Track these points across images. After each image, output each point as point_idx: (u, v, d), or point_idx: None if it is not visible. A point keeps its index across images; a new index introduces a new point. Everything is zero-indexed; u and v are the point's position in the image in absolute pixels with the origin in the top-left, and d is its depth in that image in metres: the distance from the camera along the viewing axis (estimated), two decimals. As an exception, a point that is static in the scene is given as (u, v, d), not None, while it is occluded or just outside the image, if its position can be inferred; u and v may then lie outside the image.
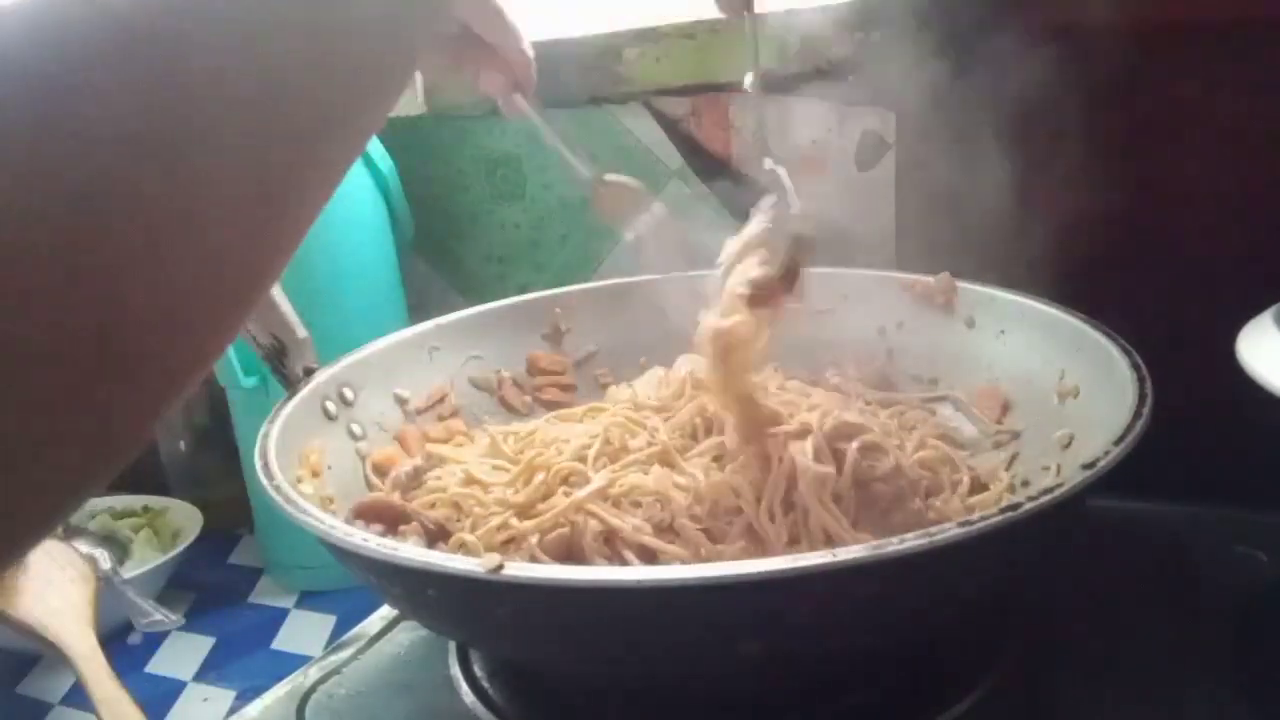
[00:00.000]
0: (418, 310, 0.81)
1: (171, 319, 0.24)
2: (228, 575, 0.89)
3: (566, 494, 0.53)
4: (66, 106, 0.22)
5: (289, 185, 0.27)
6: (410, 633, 0.61)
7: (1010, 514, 0.39)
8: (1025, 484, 0.56)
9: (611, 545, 0.50)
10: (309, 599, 0.84)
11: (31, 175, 0.21)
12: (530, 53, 0.57)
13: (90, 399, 0.23)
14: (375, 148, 0.85)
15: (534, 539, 0.51)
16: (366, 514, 0.55)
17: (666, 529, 0.50)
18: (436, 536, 0.54)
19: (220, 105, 0.24)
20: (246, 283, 0.27)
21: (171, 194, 0.23)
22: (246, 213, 0.26)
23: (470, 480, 0.57)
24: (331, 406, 0.61)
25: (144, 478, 0.95)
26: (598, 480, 0.52)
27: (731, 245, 0.55)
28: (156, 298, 0.24)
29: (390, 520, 0.54)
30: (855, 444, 0.51)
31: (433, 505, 0.56)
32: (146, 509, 0.92)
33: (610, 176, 0.64)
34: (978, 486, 0.57)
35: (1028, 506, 0.40)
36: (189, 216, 0.24)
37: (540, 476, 0.54)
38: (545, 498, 0.53)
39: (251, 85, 0.25)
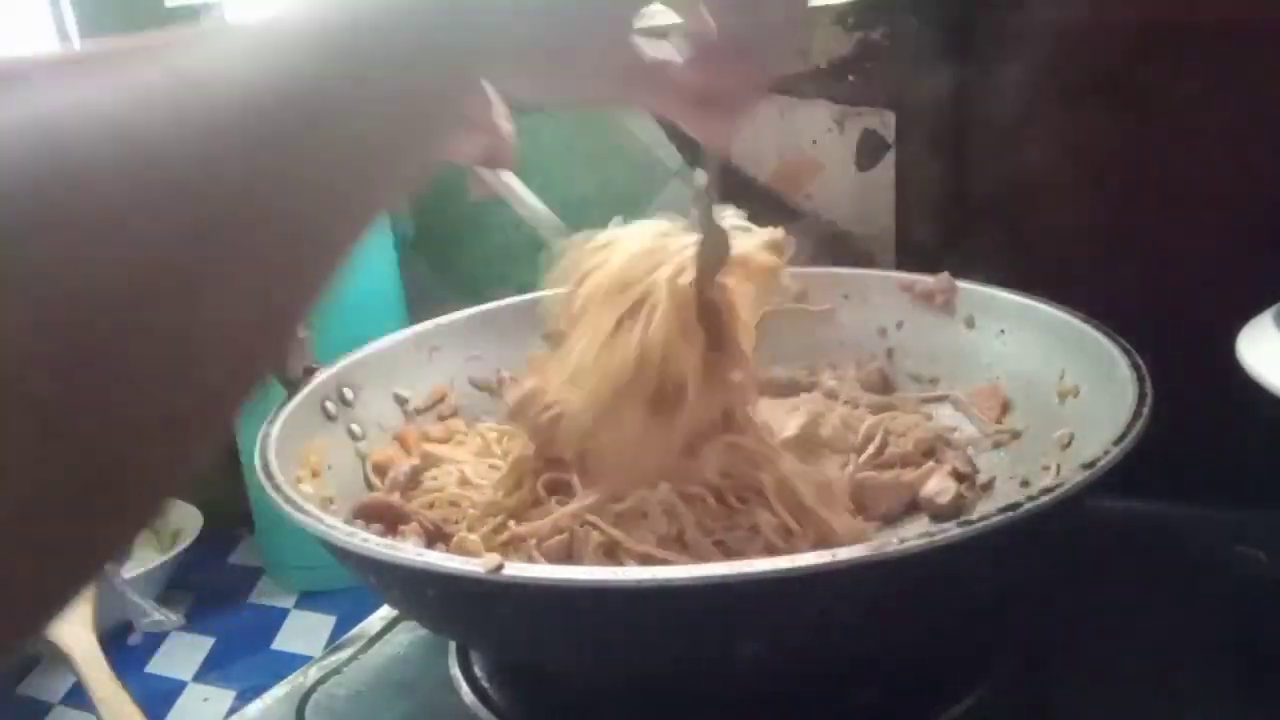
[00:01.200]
0: (418, 310, 0.81)
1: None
2: (228, 575, 0.89)
3: (561, 503, 0.52)
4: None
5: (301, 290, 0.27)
6: (410, 633, 0.61)
7: (1010, 514, 0.39)
8: (1025, 484, 0.56)
9: (613, 556, 0.49)
10: (309, 599, 0.84)
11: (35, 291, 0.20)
12: (511, 126, 0.54)
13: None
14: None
15: (532, 543, 0.50)
16: (366, 514, 0.55)
17: (674, 540, 0.49)
18: (435, 537, 0.54)
19: (242, 229, 0.24)
20: (256, 366, 0.26)
21: (190, 304, 0.23)
22: (260, 321, 0.25)
23: (464, 481, 0.57)
24: (331, 406, 0.61)
25: (144, 478, 0.95)
26: (589, 497, 0.51)
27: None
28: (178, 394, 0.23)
29: (390, 521, 0.54)
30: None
31: (431, 505, 0.56)
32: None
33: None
34: (975, 484, 0.57)
35: (1028, 506, 0.40)
36: (201, 333, 0.23)
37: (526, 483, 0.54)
38: (535, 504, 0.53)
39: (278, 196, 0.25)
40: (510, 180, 0.58)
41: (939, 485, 0.55)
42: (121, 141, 0.22)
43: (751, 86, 0.44)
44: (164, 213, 0.22)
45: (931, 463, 0.58)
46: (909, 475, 0.56)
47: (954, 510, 0.54)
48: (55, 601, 0.22)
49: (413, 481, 0.59)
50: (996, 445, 0.61)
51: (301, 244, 0.26)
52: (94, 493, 0.21)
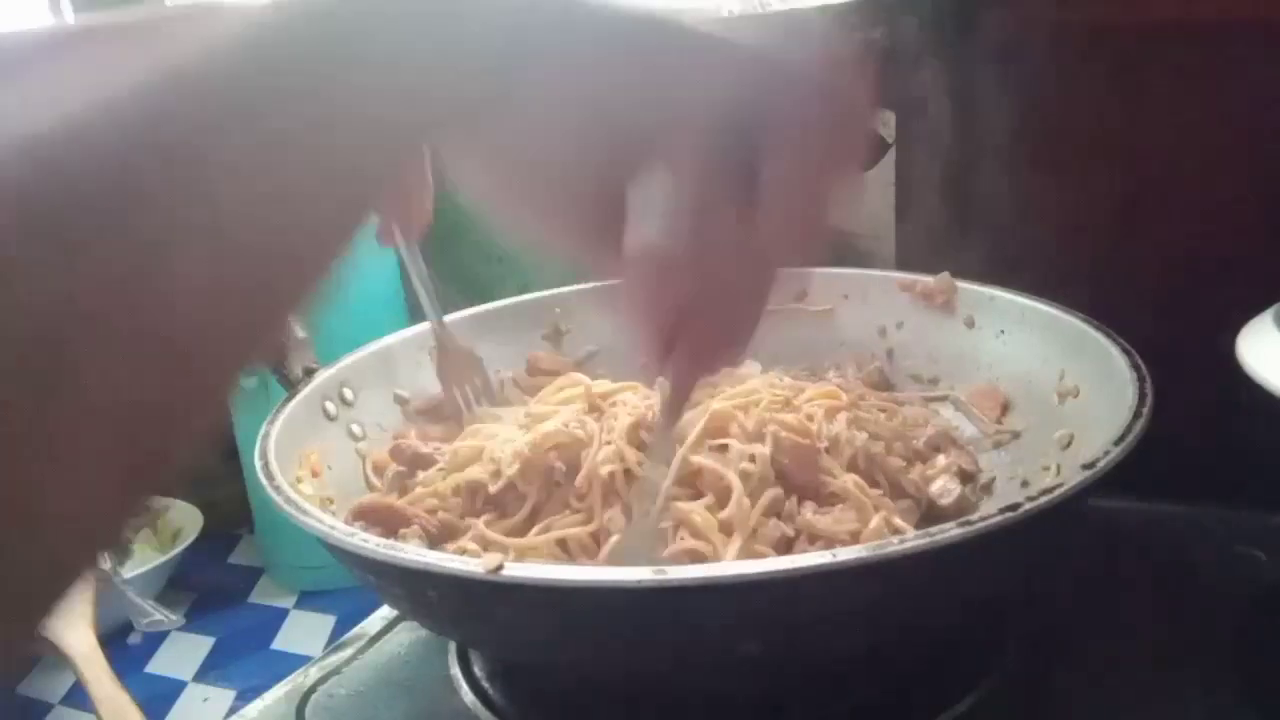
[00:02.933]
0: (418, 310, 0.81)
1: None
2: (228, 575, 0.90)
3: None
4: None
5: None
6: (410, 633, 0.61)
7: (1010, 514, 0.39)
8: (1025, 484, 0.56)
9: None
10: (309, 599, 0.84)
11: None
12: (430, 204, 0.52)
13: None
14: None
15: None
16: (366, 515, 0.55)
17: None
18: (438, 539, 0.54)
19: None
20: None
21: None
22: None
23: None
24: (331, 406, 0.61)
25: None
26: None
27: None
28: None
29: (389, 523, 0.54)
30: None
31: (433, 511, 0.56)
32: (146, 509, 0.92)
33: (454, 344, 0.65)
34: (977, 484, 0.57)
35: (1027, 506, 0.40)
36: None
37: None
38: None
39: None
40: (414, 250, 0.62)
41: (944, 486, 0.55)
42: None
43: (723, 347, 0.34)
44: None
45: (941, 458, 0.58)
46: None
47: (957, 511, 0.53)
48: None
49: (411, 472, 0.59)
50: (996, 445, 0.61)
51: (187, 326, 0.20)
52: None
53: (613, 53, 0.29)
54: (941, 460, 0.58)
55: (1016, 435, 0.61)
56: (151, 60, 0.20)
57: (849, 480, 0.52)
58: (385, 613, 0.63)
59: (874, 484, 0.53)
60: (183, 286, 0.20)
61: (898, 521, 0.51)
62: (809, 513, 0.50)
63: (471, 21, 0.26)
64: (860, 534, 0.49)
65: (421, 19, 0.24)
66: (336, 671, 0.59)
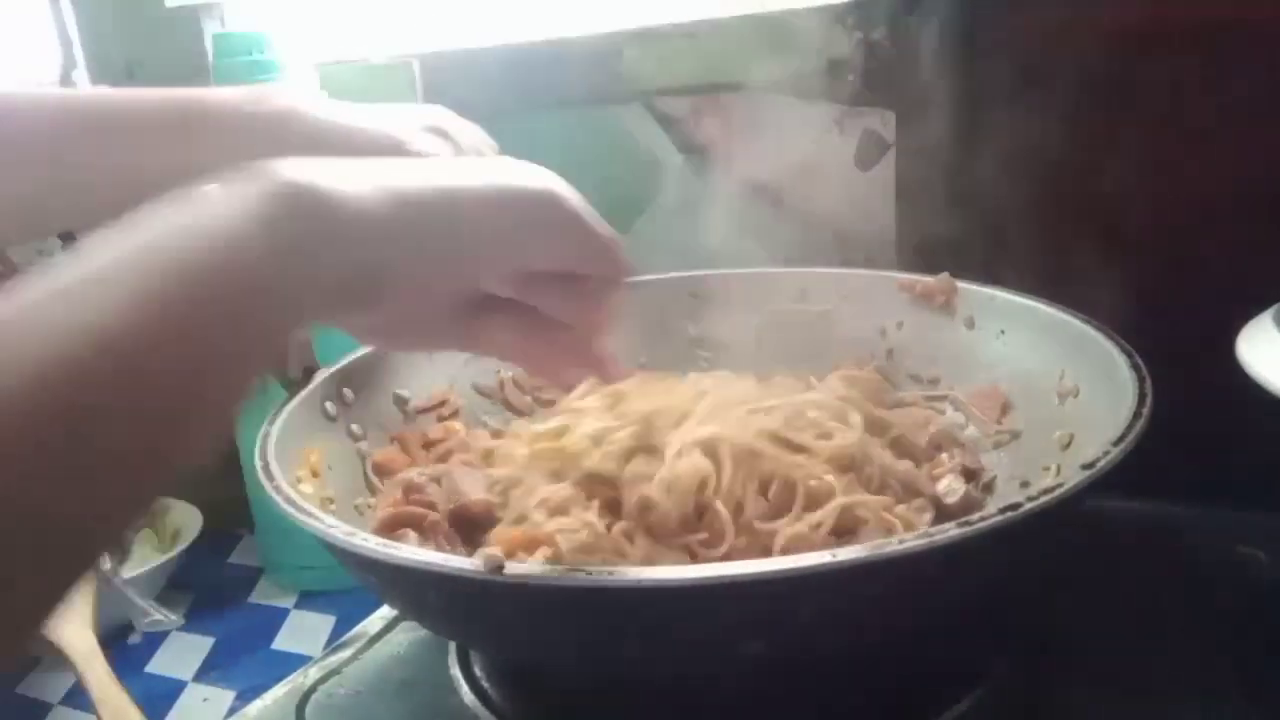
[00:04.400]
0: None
1: None
2: (228, 575, 0.89)
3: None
4: None
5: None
6: (410, 633, 0.61)
7: (1010, 514, 0.39)
8: (1025, 484, 0.56)
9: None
10: (309, 599, 0.84)
11: None
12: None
13: None
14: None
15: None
16: (391, 525, 0.54)
17: None
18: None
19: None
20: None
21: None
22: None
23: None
24: (331, 407, 0.61)
25: (144, 478, 0.94)
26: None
27: None
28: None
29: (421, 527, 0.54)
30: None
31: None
32: (149, 510, 0.92)
33: None
34: (980, 482, 0.57)
35: (1028, 506, 0.40)
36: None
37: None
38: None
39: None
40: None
41: (949, 485, 0.54)
42: None
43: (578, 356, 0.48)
44: None
45: (944, 457, 0.58)
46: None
47: (963, 509, 0.53)
48: None
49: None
50: (996, 445, 0.61)
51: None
52: None
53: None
54: (945, 459, 0.58)
55: (1016, 435, 0.61)
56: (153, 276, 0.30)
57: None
58: (385, 613, 0.63)
59: (894, 496, 0.53)
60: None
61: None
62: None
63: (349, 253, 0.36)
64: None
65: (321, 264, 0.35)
66: (336, 671, 0.59)
